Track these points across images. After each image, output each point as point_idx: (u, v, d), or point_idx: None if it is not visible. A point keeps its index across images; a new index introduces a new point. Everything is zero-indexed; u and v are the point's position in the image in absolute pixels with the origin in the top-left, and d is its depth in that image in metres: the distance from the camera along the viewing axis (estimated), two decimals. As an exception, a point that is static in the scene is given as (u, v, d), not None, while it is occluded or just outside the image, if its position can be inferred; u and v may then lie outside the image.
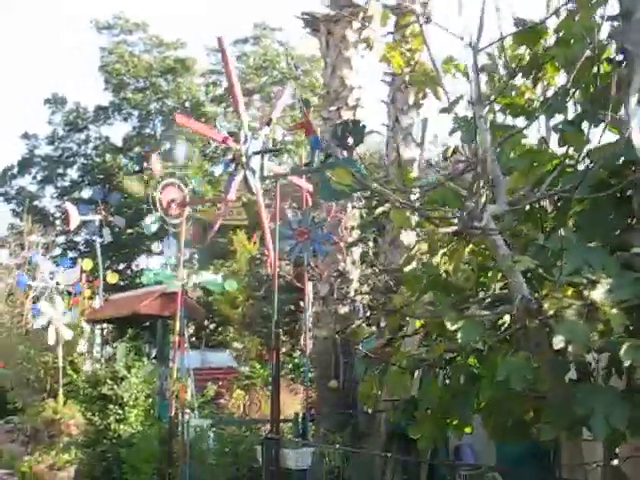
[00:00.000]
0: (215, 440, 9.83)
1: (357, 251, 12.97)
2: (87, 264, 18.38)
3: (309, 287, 18.03)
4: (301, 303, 17.79)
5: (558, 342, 3.32)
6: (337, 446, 9.01)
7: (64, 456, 15.66)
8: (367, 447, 10.77)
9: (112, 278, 18.90)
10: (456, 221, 3.95)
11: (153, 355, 15.31)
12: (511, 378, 3.55)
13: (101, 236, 18.16)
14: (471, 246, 4.63)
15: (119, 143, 39.51)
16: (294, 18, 11.15)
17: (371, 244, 13.52)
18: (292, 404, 14.92)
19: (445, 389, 4.59)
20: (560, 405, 3.69)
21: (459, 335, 3.70)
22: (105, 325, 17.89)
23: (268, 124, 8.46)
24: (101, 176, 37.01)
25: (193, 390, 13.32)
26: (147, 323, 18.05)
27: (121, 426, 13.45)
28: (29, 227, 23.34)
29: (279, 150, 9.07)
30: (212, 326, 28.72)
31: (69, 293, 18.11)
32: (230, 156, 8.58)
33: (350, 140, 5.02)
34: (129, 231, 30.64)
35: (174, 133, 30.64)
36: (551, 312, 3.45)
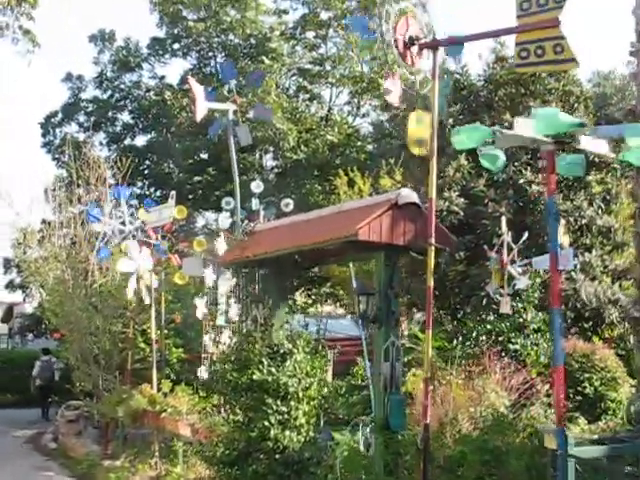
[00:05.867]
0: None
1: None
2: (180, 212, 13.10)
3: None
4: (485, 247, 12.46)
5: None
6: None
7: (175, 469, 10.68)
8: None
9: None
10: None
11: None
12: None
13: (235, 135, 12.42)
14: None
15: (176, 83, 34.16)
16: None
17: None
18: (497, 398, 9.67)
19: None
20: None
21: None
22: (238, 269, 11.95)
23: None
24: (162, 119, 31.85)
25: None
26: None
27: (286, 432, 8.36)
28: (95, 162, 17.78)
29: None
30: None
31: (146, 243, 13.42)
32: None
33: None
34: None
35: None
36: None
